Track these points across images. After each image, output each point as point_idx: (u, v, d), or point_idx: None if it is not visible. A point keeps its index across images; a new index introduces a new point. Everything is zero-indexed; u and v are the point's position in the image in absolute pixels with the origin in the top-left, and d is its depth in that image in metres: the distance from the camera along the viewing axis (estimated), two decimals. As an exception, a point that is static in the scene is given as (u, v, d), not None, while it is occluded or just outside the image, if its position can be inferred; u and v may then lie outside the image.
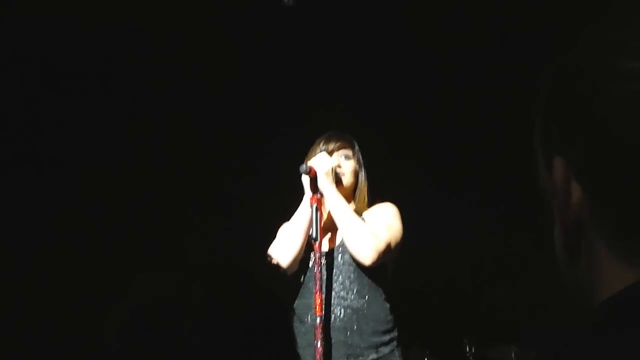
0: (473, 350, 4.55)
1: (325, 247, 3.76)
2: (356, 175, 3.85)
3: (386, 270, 3.73)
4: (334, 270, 3.70)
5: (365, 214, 3.78)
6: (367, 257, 3.59)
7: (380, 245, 3.60)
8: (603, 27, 0.80)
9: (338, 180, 3.76)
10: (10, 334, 4.47)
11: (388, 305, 3.69)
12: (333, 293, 3.67)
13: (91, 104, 4.77)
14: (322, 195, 3.71)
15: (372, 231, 3.62)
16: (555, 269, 0.85)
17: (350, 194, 3.83)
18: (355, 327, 3.61)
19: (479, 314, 4.62)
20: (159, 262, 1.25)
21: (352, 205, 3.81)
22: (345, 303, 3.64)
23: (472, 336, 4.56)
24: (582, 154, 0.78)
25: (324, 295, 3.62)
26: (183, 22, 4.77)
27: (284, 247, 3.69)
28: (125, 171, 4.74)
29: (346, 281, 3.67)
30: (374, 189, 3.88)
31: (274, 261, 1.34)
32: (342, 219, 3.63)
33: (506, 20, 4.40)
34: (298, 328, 3.49)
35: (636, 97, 0.74)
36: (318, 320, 3.52)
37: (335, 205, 3.65)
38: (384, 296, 3.70)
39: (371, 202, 3.84)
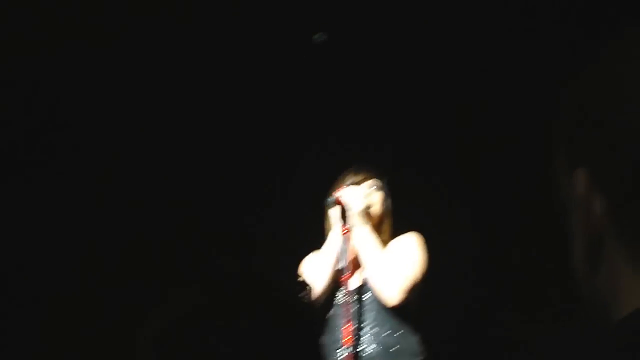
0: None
1: (356, 281, 3.73)
2: (380, 207, 3.81)
3: (416, 302, 3.69)
4: (367, 306, 3.67)
5: (389, 245, 3.74)
6: (392, 297, 3.57)
7: (407, 285, 3.58)
8: (634, 37, 0.81)
9: (367, 214, 3.73)
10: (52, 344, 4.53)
11: (418, 338, 3.66)
12: (366, 329, 3.63)
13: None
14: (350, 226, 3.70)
15: (397, 269, 3.59)
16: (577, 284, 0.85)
17: (377, 225, 3.78)
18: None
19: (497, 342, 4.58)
20: (190, 277, 1.27)
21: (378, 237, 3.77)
22: (379, 339, 3.61)
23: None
24: (604, 165, 0.78)
25: (354, 328, 3.60)
26: (214, 60, 4.81)
27: (312, 279, 3.68)
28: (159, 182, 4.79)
29: (379, 316, 3.64)
30: (397, 218, 3.85)
31: (306, 290, 1.35)
32: (368, 258, 3.60)
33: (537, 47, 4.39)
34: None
35: None
36: (347, 352, 3.51)
37: (364, 243, 3.62)
38: (414, 328, 3.66)
39: (395, 232, 3.81)
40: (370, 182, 3.81)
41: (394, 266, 3.60)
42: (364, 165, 3.89)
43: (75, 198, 4.74)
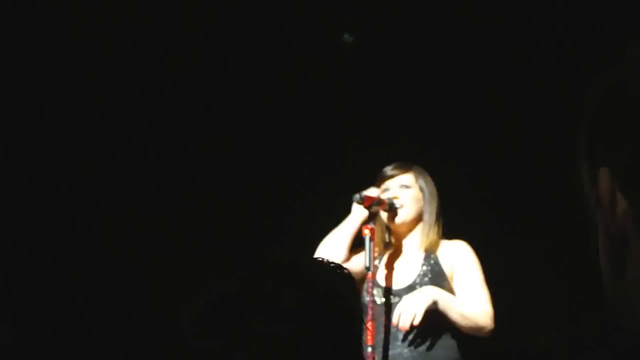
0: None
1: (383, 282, 3.67)
2: (418, 204, 3.69)
3: None
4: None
5: (442, 253, 3.67)
6: (488, 330, 3.56)
7: (490, 311, 3.57)
8: None
9: (395, 213, 3.66)
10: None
11: (455, 342, 3.60)
12: (400, 334, 3.56)
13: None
14: (374, 224, 3.66)
15: (477, 301, 3.56)
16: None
17: (411, 225, 3.72)
18: None
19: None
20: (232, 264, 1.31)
21: (419, 238, 3.72)
22: (413, 345, 3.56)
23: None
24: (628, 164, 0.77)
25: (380, 331, 3.55)
26: (239, 61, 4.84)
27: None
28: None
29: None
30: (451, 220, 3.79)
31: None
32: (454, 315, 3.53)
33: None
34: None
35: None
36: (369, 349, 3.46)
37: (445, 306, 3.52)
38: (450, 334, 3.59)
39: (445, 235, 3.73)
40: (400, 178, 3.73)
41: (465, 289, 3.59)
42: (398, 162, 3.80)
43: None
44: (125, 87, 4.89)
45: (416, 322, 3.44)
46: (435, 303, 3.48)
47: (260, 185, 4.86)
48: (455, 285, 3.64)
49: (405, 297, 3.52)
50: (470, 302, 3.56)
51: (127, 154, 4.98)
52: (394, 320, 3.49)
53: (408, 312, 3.45)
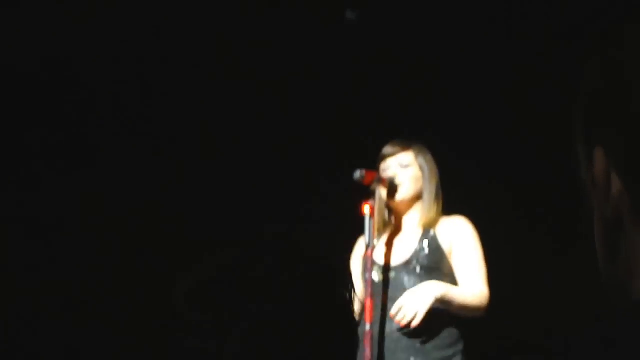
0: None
1: (382, 260, 3.68)
2: (417, 182, 3.71)
3: (453, 282, 3.64)
4: (398, 287, 3.61)
5: (440, 229, 3.69)
6: (483, 311, 3.60)
7: (487, 292, 3.60)
8: None
9: (394, 191, 3.68)
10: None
11: (452, 319, 3.61)
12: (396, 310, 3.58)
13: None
14: (377, 202, 3.69)
15: (475, 283, 3.59)
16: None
17: (411, 203, 3.73)
18: (418, 345, 3.56)
19: (534, 331, 4.55)
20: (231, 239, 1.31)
21: (418, 215, 3.72)
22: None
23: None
24: (622, 145, 0.77)
25: (377, 307, 3.57)
26: (239, 44, 4.83)
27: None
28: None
29: None
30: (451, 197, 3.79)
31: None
32: (455, 308, 3.57)
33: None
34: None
35: None
36: (367, 327, 3.48)
37: (447, 302, 3.55)
38: (447, 311, 3.60)
39: (444, 212, 3.74)
40: (399, 156, 3.73)
41: (473, 280, 3.61)
42: (398, 140, 3.80)
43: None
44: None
45: (415, 324, 3.48)
46: (437, 300, 3.50)
47: (261, 167, 4.85)
48: (453, 262, 3.66)
49: (408, 293, 3.52)
50: (469, 288, 3.58)
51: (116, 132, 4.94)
52: (392, 312, 3.51)
53: (409, 311, 3.47)
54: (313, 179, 4.79)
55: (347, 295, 1.28)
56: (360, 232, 3.74)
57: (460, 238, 3.67)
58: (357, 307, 3.65)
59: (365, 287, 3.56)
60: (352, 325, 1.30)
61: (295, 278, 1.26)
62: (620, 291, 0.80)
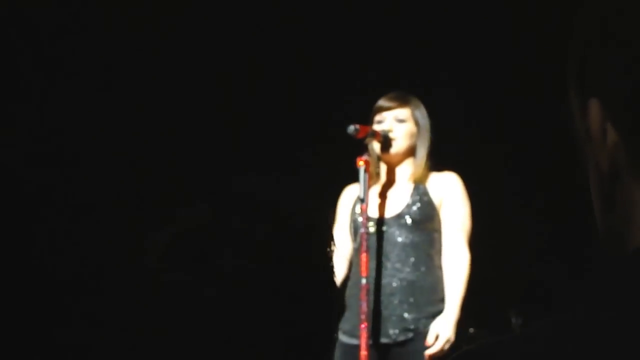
0: (520, 323, 4.53)
1: (374, 213, 3.70)
2: (412, 138, 3.72)
3: (442, 238, 3.70)
4: (390, 240, 3.65)
5: (431, 184, 3.71)
6: (466, 257, 3.64)
7: (468, 255, 3.64)
8: None
9: (388, 145, 3.68)
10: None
11: (442, 274, 3.65)
12: (388, 264, 3.63)
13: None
14: (370, 155, 3.69)
15: (457, 244, 3.63)
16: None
17: (403, 157, 3.74)
18: (412, 299, 3.59)
19: (527, 286, 4.58)
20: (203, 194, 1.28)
21: (409, 170, 3.74)
22: (401, 275, 3.61)
23: (519, 309, 4.53)
24: (619, 94, 0.75)
25: (372, 260, 3.59)
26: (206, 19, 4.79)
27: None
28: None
29: (402, 253, 3.63)
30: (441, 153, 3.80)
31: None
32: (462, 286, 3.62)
33: None
34: (356, 284, 3.52)
35: None
36: (364, 281, 3.50)
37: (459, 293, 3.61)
38: (439, 264, 3.66)
39: (433, 167, 3.76)
40: (395, 111, 3.72)
41: (450, 223, 3.66)
42: (394, 94, 3.79)
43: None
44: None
45: (446, 348, 3.53)
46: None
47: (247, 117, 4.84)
48: (442, 217, 3.69)
49: (437, 325, 3.56)
50: (454, 271, 3.62)
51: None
52: (429, 341, 3.54)
53: (442, 342, 3.52)
54: (304, 133, 4.78)
55: (326, 253, 1.25)
56: (348, 183, 3.77)
57: (449, 194, 3.70)
58: (339, 263, 3.73)
59: (361, 241, 3.57)
60: (330, 287, 1.27)
61: (269, 235, 1.23)
62: (617, 241, 0.80)
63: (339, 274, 3.75)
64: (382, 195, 3.74)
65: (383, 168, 3.80)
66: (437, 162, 3.77)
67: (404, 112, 3.73)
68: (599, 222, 0.83)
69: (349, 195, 3.81)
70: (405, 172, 3.76)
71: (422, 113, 3.75)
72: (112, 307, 1.21)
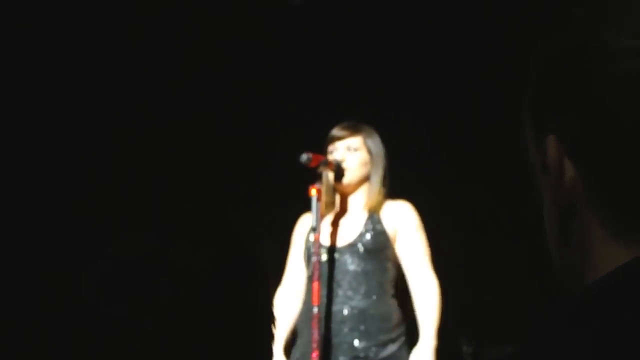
0: (470, 350, 4.54)
1: (327, 241, 3.70)
2: (365, 166, 3.72)
3: (396, 267, 3.70)
4: (342, 268, 3.65)
5: (385, 213, 3.71)
6: (435, 286, 3.66)
7: (436, 282, 3.67)
8: (600, 3, 0.80)
9: (341, 175, 3.68)
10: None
11: (396, 302, 3.67)
12: (340, 291, 3.63)
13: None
14: (323, 184, 3.70)
15: (422, 273, 3.65)
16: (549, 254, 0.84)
17: (357, 186, 3.74)
18: (362, 327, 3.58)
19: (477, 313, 4.60)
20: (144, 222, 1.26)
21: (364, 198, 3.74)
22: (352, 303, 3.60)
23: (470, 336, 4.54)
24: (576, 131, 0.77)
25: (323, 288, 3.59)
26: (185, 22, 4.77)
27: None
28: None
29: (353, 281, 3.63)
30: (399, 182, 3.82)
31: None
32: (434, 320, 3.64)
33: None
34: (308, 312, 3.52)
35: (632, 76, 0.74)
36: (315, 309, 3.50)
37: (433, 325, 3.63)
38: (392, 292, 3.67)
39: (389, 195, 3.77)
40: (347, 140, 3.73)
41: (422, 265, 3.68)
42: (347, 124, 3.80)
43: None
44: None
45: None
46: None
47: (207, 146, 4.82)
48: (398, 247, 3.70)
49: (416, 356, 3.58)
50: (425, 301, 3.64)
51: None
52: None
53: None
54: (258, 162, 4.77)
55: (267, 285, 1.24)
56: (302, 212, 3.79)
57: (404, 224, 3.72)
58: (290, 292, 3.73)
59: (313, 269, 3.57)
60: (269, 319, 1.25)
61: (210, 265, 1.20)
62: (574, 274, 0.81)
63: (289, 304, 3.77)
64: (336, 223, 3.75)
65: (338, 197, 3.81)
66: (393, 190, 3.78)
67: (355, 141, 3.74)
68: (555, 255, 0.84)
69: (304, 223, 3.82)
70: (360, 200, 3.77)
71: (374, 141, 3.77)
72: (48, 340, 1.18)
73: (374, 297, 3.61)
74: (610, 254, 0.76)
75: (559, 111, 0.79)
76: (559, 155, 0.79)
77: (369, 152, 3.74)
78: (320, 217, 3.61)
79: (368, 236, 3.67)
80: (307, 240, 3.75)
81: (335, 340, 3.58)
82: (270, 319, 1.22)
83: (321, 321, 3.54)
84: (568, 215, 0.80)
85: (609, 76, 0.75)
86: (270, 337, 1.22)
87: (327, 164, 3.66)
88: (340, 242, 3.70)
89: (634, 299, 0.70)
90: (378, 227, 3.69)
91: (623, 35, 0.75)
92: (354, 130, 3.76)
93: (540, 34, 0.84)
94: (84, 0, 4.59)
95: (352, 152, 3.71)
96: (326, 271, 3.65)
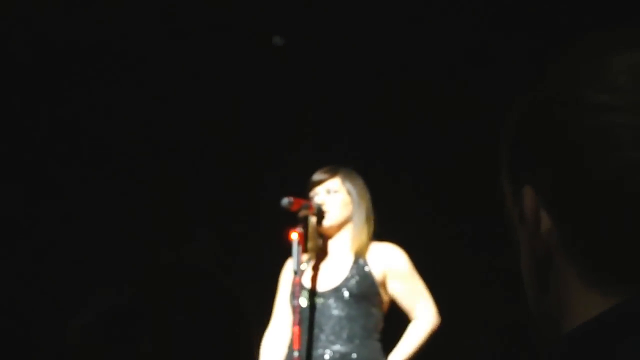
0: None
1: (307, 284, 3.69)
2: (345, 208, 3.72)
3: (381, 311, 3.69)
4: (326, 313, 3.63)
5: (371, 257, 3.70)
6: (437, 322, 3.68)
7: (435, 311, 3.68)
8: (573, 59, 0.81)
9: (322, 217, 3.68)
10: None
11: (380, 345, 3.64)
12: (322, 336, 3.61)
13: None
14: (306, 228, 3.70)
15: (424, 308, 3.66)
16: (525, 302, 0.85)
17: (340, 228, 3.74)
18: None
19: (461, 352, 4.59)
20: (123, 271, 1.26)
21: (348, 240, 3.73)
22: (334, 347, 3.58)
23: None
24: (551, 184, 0.78)
25: (305, 333, 3.58)
26: (172, 65, 4.80)
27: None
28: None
29: (336, 326, 3.61)
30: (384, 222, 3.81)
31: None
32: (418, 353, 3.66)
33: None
34: (291, 356, 3.50)
35: (605, 130, 0.75)
36: (296, 354, 3.49)
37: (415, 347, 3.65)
38: (376, 337, 3.65)
39: (377, 235, 3.77)
40: (327, 184, 3.74)
41: (423, 301, 3.69)
42: (327, 167, 3.81)
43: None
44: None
45: None
46: None
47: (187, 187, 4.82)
48: (393, 292, 3.70)
49: None
50: (415, 328, 3.64)
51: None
52: None
53: None
54: (240, 205, 4.77)
55: (250, 332, 1.24)
56: (287, 256, 3.75)
57: (394, 268, 3.71)
58: (276, 337, 3.71)
59: (294, 313, 3.55)
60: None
61: (191, 312, 1.21)
62: (551, 324, 0.81)
63: (275, 348, 3.74)
64: (321, 267, 3.73)
65: (323, 239, 3.80)
66: (380, 229, 3.78)
67: (334, 183, 3.74)
68: (532, 304, 0.84)
69: (290, 268, 3.79)
70: (345, 243, 3.76)
71: (354, 182, 3.77)
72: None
73: (357, 341, 3.59)
74: (587, 303, 0.76)
75: (534, 163, 0.80)
76: (535, 206, 0.80)
77: (349, 193, 3.74)
78: (303, 261, 3.60)
79: (353, 281, 3.65)
80: (293, 285, 3.73)
81: None
82: None
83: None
84: (545, 265, 0.80)
85: (582, 130, 0.76)
86: None
87: (309, 207, 3.66)
88: (325, 287, 3.68)
89: (609, 348, 0.71)
90: (364, 271, 3.67)
91: (597, 90, 0.77)
92: (332, 173, 3.77)
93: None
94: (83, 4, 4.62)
95: (332, 195, 3.72)
96: (307, 316, 3.63)
